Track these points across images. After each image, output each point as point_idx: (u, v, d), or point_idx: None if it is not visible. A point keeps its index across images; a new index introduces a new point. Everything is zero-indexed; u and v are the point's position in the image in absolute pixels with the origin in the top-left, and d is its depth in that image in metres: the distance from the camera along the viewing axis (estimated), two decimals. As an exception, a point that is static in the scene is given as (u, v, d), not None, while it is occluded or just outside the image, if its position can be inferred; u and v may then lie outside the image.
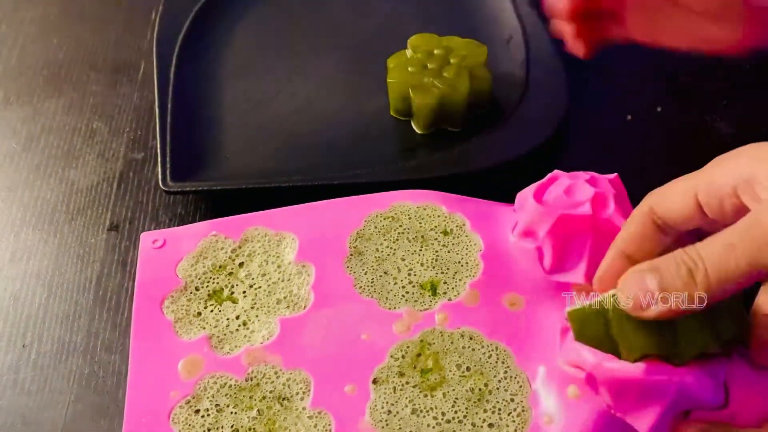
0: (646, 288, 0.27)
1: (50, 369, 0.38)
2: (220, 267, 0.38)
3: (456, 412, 0.32)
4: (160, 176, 0.43)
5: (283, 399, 0.33)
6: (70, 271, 0.43)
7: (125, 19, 0.58)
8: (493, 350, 0.34)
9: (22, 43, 0.57)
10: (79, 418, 0.37)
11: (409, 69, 0.46)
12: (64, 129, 0.51)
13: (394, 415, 0.32)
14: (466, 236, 0.38)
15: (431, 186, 0.41)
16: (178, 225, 0.44)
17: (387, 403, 0.32)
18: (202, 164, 0.45)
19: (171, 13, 0.54)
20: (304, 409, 0.33)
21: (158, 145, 0.45)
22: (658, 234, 0.30)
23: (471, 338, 0.34)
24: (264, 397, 0.33)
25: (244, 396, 0.33)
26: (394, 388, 0.33)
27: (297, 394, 0.33)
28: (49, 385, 0.38)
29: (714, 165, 0.29)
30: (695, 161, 0.46)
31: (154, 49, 0.51)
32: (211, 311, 0.36)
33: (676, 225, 0.30)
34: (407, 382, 0.33)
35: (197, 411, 0.33)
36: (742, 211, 0.27)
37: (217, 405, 0.33)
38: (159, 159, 0.44)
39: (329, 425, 0.32)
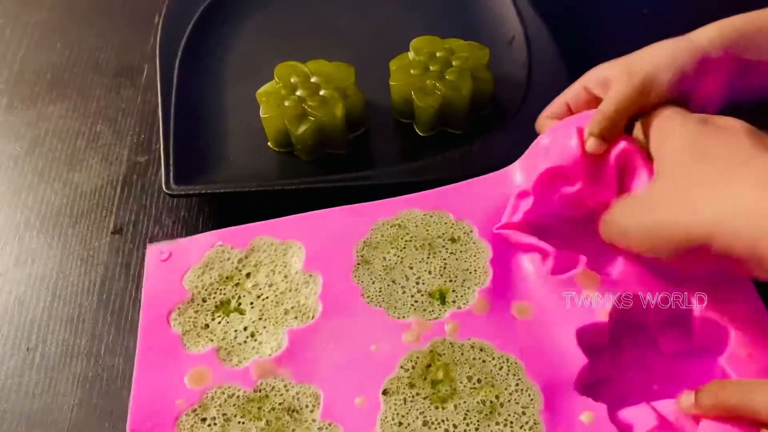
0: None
1: (54, 372, 0.38)
2: (226, 278, 0.38)
3: (468, 424, 0.32)
4: (163, 179, 0.43)
5: (293, 411, 0.33)
6: (74, 274, 0.43)
7: (128, 23, 0.59)
8: (503, 362, 0.33)
9: (26, 47, 0.57)
10: (83, 420, 0.37)
11: (412, 71, 0.46)
12: (67, 133, 0.51)
13: (405, 427, 0.32)
14: (474, 243, 0.38)
15: (433, 188, 0.40)
16: (182, 228, 0.44)
17: (398, 414, 0.32)
18: (206, 167, 0.45)
19: (174, 17, 0.54)
20: (314, 420, 0.32)
21: (161, 149, 0.45)
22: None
23: (481, 350, 0.34)
24: (273, 409, 0.33)
25: (252, 407, 0.33)
26: (405, 399, 0.32)
27: (307, 406, 0.33)
28: (53, 388, 0.38)
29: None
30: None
31: (157, 52, 0.51)
32: (219, 323, 0.36)
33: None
34: (418, 394, 0.33)
35: (203, 419, 0.33)
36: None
37: (224, 414, 0.33)
38: (162, 162, 0.44)
39: None
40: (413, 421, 0.32)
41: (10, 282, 0.43)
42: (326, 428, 0.32)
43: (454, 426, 0.32)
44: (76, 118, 0.52)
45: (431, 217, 0.39)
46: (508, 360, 0.33)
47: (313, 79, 0.45)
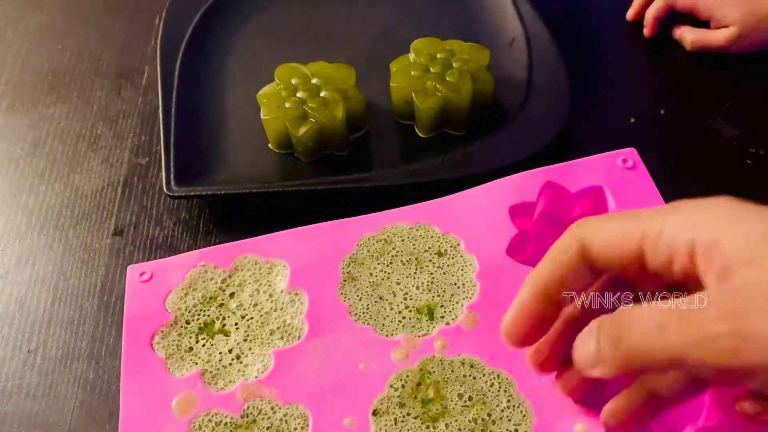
0: (589, 347, 0.24)
1: (55, 374, 0.38)
2: (210, 298, 0.37)
3: None
4: (164, 181, 0.43)
5: None
6: (75, 275, 0.43)
7: (129, 25, 0.59)
8: (494, 378, 0.33)
9: (26, 49, 0.58)
10: (83, 422, 0.37)
11: (412, 73, 0.46)
12: (68, 134, 0.51)
13: None
14: (461, 257, 0.37)
15: (434, 189, 0.41)
16: (183, 229, 0.45)
17: None
18: (206, 168, 0.45)
19: (174, 19, 0.54)
20: None
21: (162, 150, 0.45)
22: (586, 275, 0.26)
23: (472, 366, 0.33)
24: None
25: None
26: (395, 419, 0.32)
27: (295, 429, 0.32)
28: (54, 389, 0.38)
29: (669, 212, 0.24)
30: (699, 163, 0.46)
31: (158, 54, 0.51)
32: (203, 345, 0.35)
33: (608, 269, 0.26)
34: (408, 414, 0.32)
35: None
36: (691, 277, 0.24)
37: None
38: (163, 163, 0.44)
39: None
40: None
41: (11, 284, 0.43)
42: None
43: None
44: (77, 120, 0.52)
45: (417, 230, 0.38)
46: (499, 376, 0.33)
47: (313, 81, 0.45)
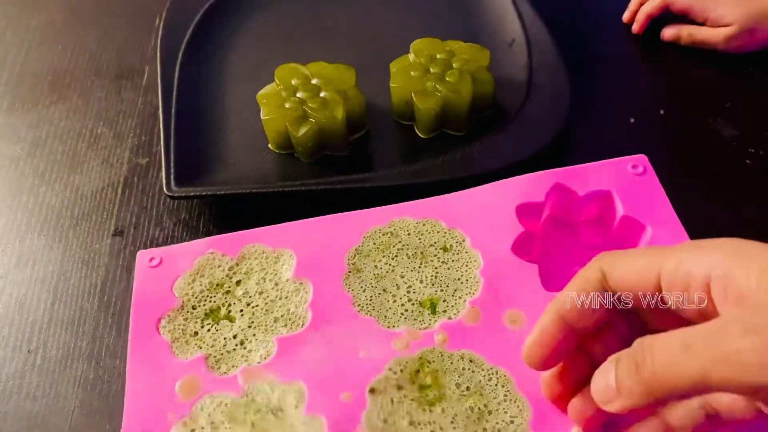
0: (608, 381, 0.25)
1: (55, 374, 0.38)
2: (217, 285, 0.37)
3: (455, 428, 0.31)
4: (164, 181, 0.43)
5: (278, 410, 0.32)
6: (75, 276, 0.43)
7: (129, 26, 0.59)
8: (493, 374, 0.33)
9: (27, 49, 0.58)
10: (84, 422, 0.37)
11: (412, 73, 0.46)
12: (68, 135, 0.51)
13: (391, 425, 0.31)
14: (466, 253, 0.37)
15: (434, 190, 0.41)
16: (183, 230, 0.45)
17: (384, 412, 0.32)
18: (206, 169, 0.45)
19: (175, 19, 0.54)
20: (298, 416, 0.32)
21: (162, 150, 0.45)
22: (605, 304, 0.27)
23: (471, 361, 0.33)
24: (259, 410, 0.33)
25: (239, 411, 0.33)
26: (392, 399, 0.32)
27: (291, 403, 0.33)
28: (54, 390, 0.38)
29: (684, 249, 0.25)
30: (698, 163, 0.46)
31: (158, 54, 0.51)
32: (208, 330, 0.36)
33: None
34: (405, 396, 0.32)
35: (192, 430, 0.32)
36: (705, 307, 0.24)
37: (212, 423, 0.32)
38: (163, 164, 0.44)
39: (322, 430, 0.31)
40: (399, 420, 0.31)
41: (11, 284, 0.43)
42: (309, 422, 0.32)
43: (441, 428, 0.31)
44: (77, 120, 0.52)
45: (423, 225, 0.38)
46: (497, 372, 0.33)
47: (313, 81, 0.46)
